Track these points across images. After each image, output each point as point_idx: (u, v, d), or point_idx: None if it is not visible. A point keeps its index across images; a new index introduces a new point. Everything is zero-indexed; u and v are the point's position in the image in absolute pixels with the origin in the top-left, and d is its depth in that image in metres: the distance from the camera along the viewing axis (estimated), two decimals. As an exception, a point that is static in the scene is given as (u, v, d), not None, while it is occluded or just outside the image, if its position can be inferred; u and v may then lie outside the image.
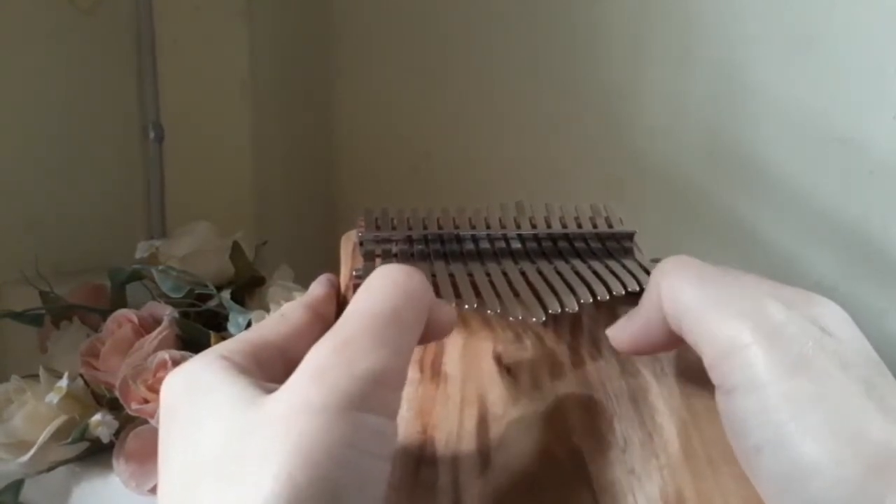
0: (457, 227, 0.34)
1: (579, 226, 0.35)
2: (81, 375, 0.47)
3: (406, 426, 0.25)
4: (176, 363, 0.43)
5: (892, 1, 0.48)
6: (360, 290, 0.22)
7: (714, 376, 0.23)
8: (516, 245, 0.33)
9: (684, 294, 0.23)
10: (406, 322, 0.21)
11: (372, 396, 0.19)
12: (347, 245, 0.34)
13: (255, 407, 0.19)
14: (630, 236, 0.34)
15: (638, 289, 0.29)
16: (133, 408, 0.43)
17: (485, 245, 0.33)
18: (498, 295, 0.29)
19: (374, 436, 0.19)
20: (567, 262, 0.32)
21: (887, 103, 0.49)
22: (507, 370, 0.27)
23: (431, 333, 0.23)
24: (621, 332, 0.27)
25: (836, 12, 0.50)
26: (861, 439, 0.19)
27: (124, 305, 0.52)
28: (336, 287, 0.30)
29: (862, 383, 0.20)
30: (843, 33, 0.50)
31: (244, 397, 0.20)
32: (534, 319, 0.27)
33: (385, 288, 0.22)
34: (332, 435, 0.18)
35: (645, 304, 0.25)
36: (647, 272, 0.30)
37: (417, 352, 0.28)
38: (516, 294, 0.29)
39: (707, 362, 0.23)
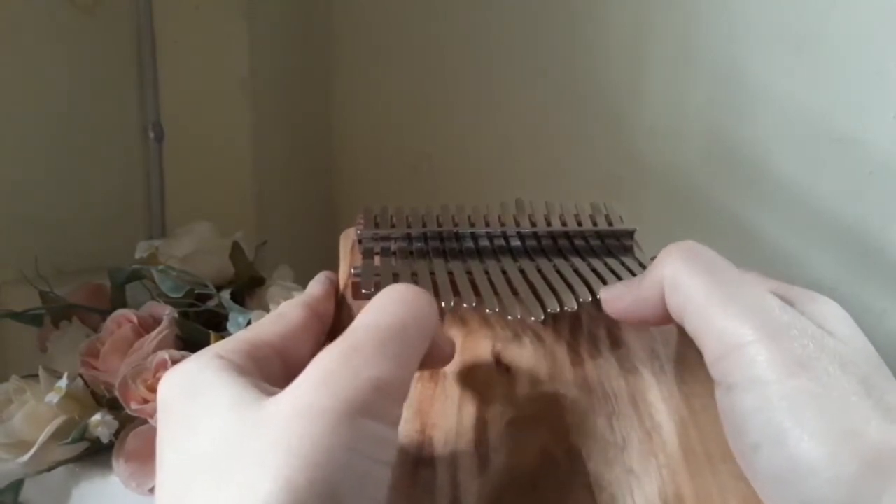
0: (456, 225, 0.34)
1: (579, 223, 0.34)
2: (81, 375, 0.47)
3: (405, 425, 0.25)
4: (175, 363, 0.43)
5: (892, 1, 0.48)
6: (370, 305, 0.22)
7: (715, 372, 0.23)
8: (516, 243, 0.33)
9: (688, 285, 0.23)
10: (412, 337, 0.22)
11: (375, 404, 0.19)
12: (346, 243, 0.34)
13: (255, 408, 0.19)
14: (630, 234, 0.34)
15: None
16: (133, 408, 0.43)
17: (484, 243, 0.33)
18: (497, 294, 0.29)
19: (375, 441, 0.19)
20: (567, 260, 0.32)
21: (887, 103, 0.49)
22: (506, 369, 0.27)
23: (432, 360, 0.24)
24: (616, 300, 0.27)
25: (835, 12, 0.50)
26: (858, 438, 0.19)
27: (124, 305, 0.52)
28: (335, 285, 0.30)
29: (861, 383, 0.20)
30: (843, 33, 0.50)
31: (242, 398, 0.20)
32: (532, 318, 0.27)
33: (394, 304, 0.22)
34: (334, 438, 0.18)
35: (646, 281, 0.25)
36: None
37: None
38: (515, 293, 0.29)
39: (708, 358, 0.23)
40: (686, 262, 0.24)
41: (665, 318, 0.25)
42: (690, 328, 0.23)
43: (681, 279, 0.24)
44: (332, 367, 0.19)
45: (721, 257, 0.25)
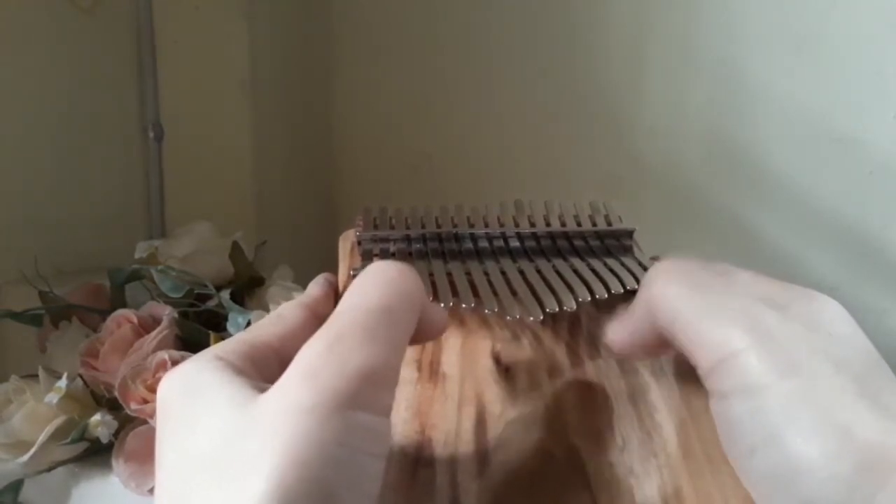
0: (455, 226, 0.34)
1: (578, 224, 0.34)
2: (81, 375, 0.47)
3: (404, 426, 0.25)
4: (175, 363, 0.43)
5: (892, 1, 0.48)
6: (352, 287, 0.22)
7: (709, 384, 0.23)
8: (515, 244, 0.33)
9: (675, 302, 0.23)
10: (398, 318, 0.21)
11: (364, 394, 0.19)
12: (346, 244, 0.34)
13: (249, 407, 0.19)
14: (629, 234, 0.34)
15: (637, 287, 0.29)
16: (132, 408, 0.43)
17: (483, 244, 0.33)
18: (496, 294, 0.29)
19: (366, 434, 0.19)
20: (566, 260, 0.32)
21: (887, 103, 0.49)
22: (506, 369, 0.27)
23: (424, 333, 0.23)
24: (616, 338, 0.26)
25: (835, 12, 0.50)
26: (851, 437, 0.19)
27: (124, 305, 0.52)
28: (334, 286, 0.30)
29: (855, 381, 0.20)
30: (843, 33, 0.50)
31: (239, 398, 0.20)
32: (531, 318, 0.27)
33: (377, 284, 0.21)
34: (324, 434, 0.18)
35: (636, 311, 0.25)
36: (647, 270, 0.30)
37: (415, 351, 0.28)
38: (514, 293, 0.29)
39: (701, 370, 0.23)
40: (668, 281, 0.24)
41: (669, 344, 0.24)
42: (681, 344, 0.23)
43: (665, 298, 0.24)
44: (317, 359, 0.19)
45: (703, 268, 0.24)
